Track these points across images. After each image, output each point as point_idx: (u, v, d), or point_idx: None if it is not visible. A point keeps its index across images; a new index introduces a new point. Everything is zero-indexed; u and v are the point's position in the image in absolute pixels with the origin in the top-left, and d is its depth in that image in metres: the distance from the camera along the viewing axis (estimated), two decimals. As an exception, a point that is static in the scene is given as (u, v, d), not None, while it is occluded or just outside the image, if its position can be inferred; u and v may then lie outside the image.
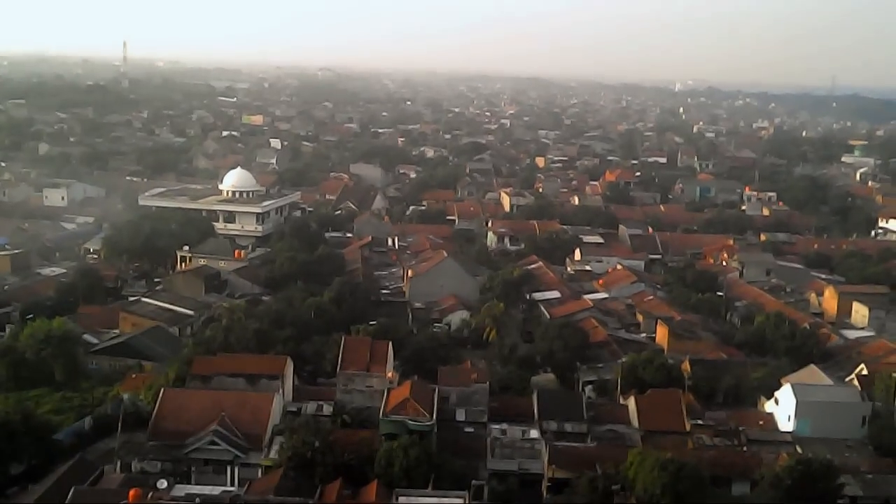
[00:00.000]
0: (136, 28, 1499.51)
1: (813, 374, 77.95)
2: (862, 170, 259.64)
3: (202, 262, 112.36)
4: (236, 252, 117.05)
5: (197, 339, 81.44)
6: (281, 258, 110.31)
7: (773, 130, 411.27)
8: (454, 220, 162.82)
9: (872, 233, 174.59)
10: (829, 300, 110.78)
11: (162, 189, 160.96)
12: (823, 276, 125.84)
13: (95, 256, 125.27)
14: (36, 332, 79.68)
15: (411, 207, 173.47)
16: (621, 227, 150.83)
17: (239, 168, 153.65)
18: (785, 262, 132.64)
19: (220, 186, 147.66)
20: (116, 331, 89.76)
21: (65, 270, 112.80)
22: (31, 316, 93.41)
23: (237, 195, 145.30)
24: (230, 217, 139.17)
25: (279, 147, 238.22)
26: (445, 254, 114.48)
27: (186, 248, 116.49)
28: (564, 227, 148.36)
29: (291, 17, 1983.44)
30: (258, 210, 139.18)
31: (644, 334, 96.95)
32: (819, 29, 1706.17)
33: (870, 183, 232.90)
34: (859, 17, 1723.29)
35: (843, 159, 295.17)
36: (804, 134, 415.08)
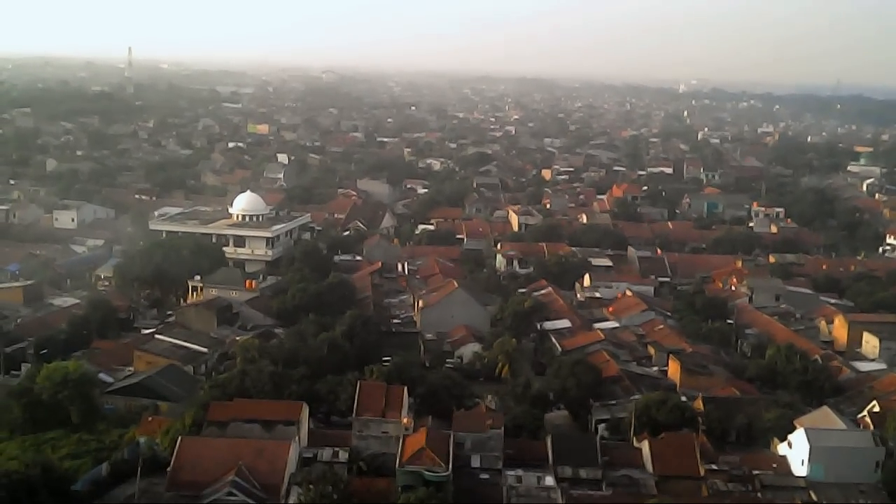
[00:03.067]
0: (140, 28, 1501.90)
1: (826, 416, 78.07)
2: (869, 180, 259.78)
3: (213, 292, 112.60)
4: (247, 282, 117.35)
5: (212, 382, 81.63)
6: (292, 289, 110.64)
7: (778, 137, 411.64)
8: (463, 239, 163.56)
9: (880, 249, 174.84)
10: (840, 329, 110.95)
11: (172, 210, 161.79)
12: (833, 301, 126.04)
13: (107, 284, 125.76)
14: (53, 375, 79.82)
15: (420, 226, 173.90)
16: (630, 248, 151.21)
17: (248, 192, 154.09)
18: (794, 285, 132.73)
19: (230, 210, 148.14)
20: (131, 369, 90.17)
21: (77, 301, 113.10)
22: (45, 351, 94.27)
23: (247, 219, 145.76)
24: (240, 241, 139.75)
25: (286, 162, 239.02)
26: (455, 283, 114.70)
27: (198, 277, 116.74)
28: (573, 248, 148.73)
29: (295, 18, 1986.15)
30: (268, 234, 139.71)
31: (656, 368, 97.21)
32: (823, 27, 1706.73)
33: (877, 195, 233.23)
34: (863, 15, 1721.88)
35: (849, 168, 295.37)
36: (809, 139, 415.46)
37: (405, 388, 75.75)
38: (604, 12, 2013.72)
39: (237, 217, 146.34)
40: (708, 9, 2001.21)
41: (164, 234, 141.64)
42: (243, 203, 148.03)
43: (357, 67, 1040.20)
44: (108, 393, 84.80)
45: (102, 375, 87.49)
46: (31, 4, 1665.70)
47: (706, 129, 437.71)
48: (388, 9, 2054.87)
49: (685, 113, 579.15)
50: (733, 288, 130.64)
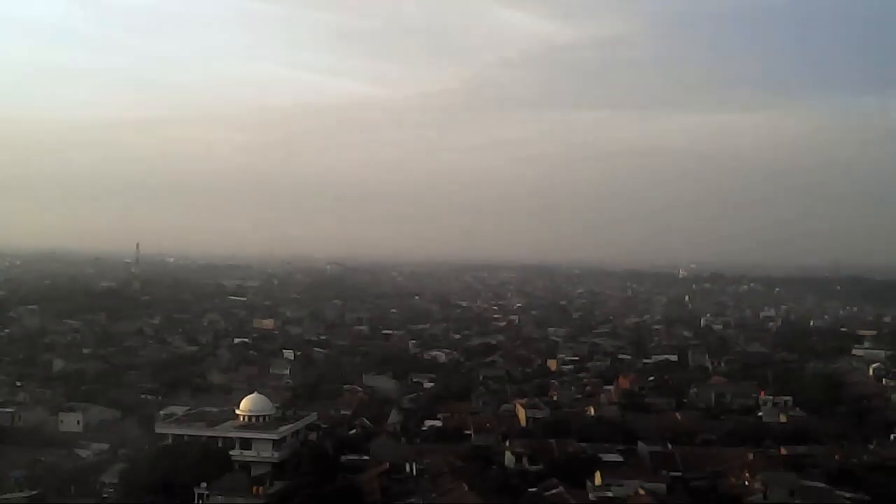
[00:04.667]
0: (148, 222, 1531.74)
1: None
2: (874, 365, 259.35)
3: (220, 499, 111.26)
4: (254, 488, 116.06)
5: None
6: (300, 496, 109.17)
7: (780, 322, 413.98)
8: (471, 435, 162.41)
9: (891, 437, 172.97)
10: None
11: (178, 410, 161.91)
12: (849, 495, 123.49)
13: (111, 491, 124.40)
14: None
15: (427, 422, 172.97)
16: (640, 443, 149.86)
17: (255, 393, 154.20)
18: (807, 478, 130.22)
19: (237, 411, 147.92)
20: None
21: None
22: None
23: (253, 420, 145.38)
24: (246, 444, 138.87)
25: (292, 357, 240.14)
26: (465, 486, 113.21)
27: (204, 485, 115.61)
28: (583, 444, 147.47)
29: (301, 211, 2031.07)
30: (274, 437, 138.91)
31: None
32: (818, 208, 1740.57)
33: (883, 380, 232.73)
34: (858, 195, 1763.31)
35: (854, 352, 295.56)
36: (812, 323, 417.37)
37: None
38: (599, 199, 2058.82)
39: (244, 418, 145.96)
40: (701, 192, 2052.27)
41: (170, 438, 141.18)
42: (250, 404, 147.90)
43: (360, 257, 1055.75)
44: None
45: None
46: (39, 200, 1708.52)
47: (708, 314, 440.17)
48: (389, 200, 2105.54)
49: (686, 298, 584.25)
50: (747, 483, 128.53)
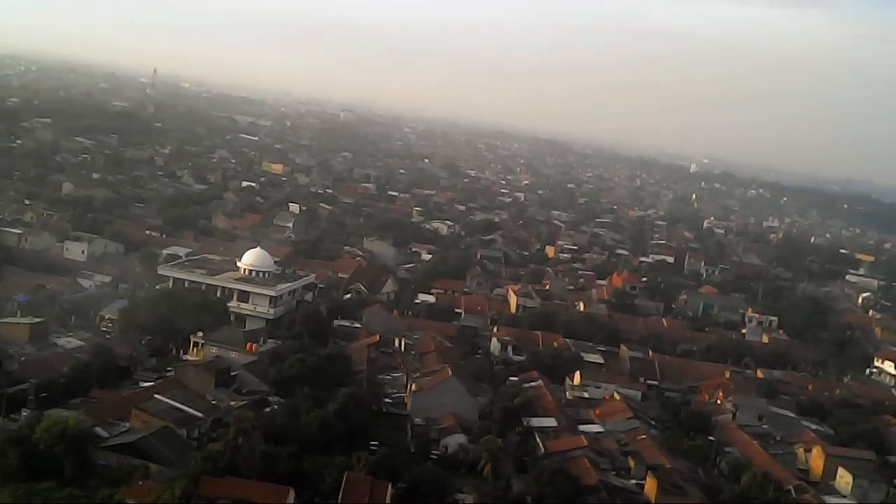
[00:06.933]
0: (165, 43, 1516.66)
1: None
2: (865, 294, 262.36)
3: (214, 350, 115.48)
4: (248, 345, 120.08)
5: (205, 454, 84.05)
6: (290, 359, 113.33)
7: (782, 235, 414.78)
8: (461, 314, 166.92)
9: (868, 371, 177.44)
10: (816, 459, 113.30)
11: (181, 251, 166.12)
12: (814, 427, 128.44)
13: (110, 326, 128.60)
14: (52, 427, 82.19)
15: (420, 296, 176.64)
16: (623, 347, 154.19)
17: (258, 248, 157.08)
18: (778, 404, 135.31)
19: (238, 263, 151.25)
20: (126, 425, 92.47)
21: (81, 343, 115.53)
22: (45, 395, 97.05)
23: (253, 274, 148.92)
24: (244, 296, 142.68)
25: (297, 211, 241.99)
26: (449, 371, 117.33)
27: (200, 333, 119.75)
28: (567, 340, 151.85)
29: (319, 52, 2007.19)
30: (272, 293, 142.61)
31: (634, 481, 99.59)
32: (836, 119, 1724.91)
33: (870, 312, 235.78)
34: (878, 113, 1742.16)
35: (847, 277, 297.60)
36: (812, 240, 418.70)
37: (389, 485, 78.52)
38: (620, 78, 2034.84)
39: (244, 271, 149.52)
40: (724, 86, 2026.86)
41: (171, 281, 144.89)
42: (251, 258, 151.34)
43: (375, 106, 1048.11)
44: (101, 448, 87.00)
45: (98, 429, 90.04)
46: (58, 8, 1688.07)
47: (712, 217, 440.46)
48: (410, 53, 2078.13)
49: (693, 196, 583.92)
50: (719, 402, 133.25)
